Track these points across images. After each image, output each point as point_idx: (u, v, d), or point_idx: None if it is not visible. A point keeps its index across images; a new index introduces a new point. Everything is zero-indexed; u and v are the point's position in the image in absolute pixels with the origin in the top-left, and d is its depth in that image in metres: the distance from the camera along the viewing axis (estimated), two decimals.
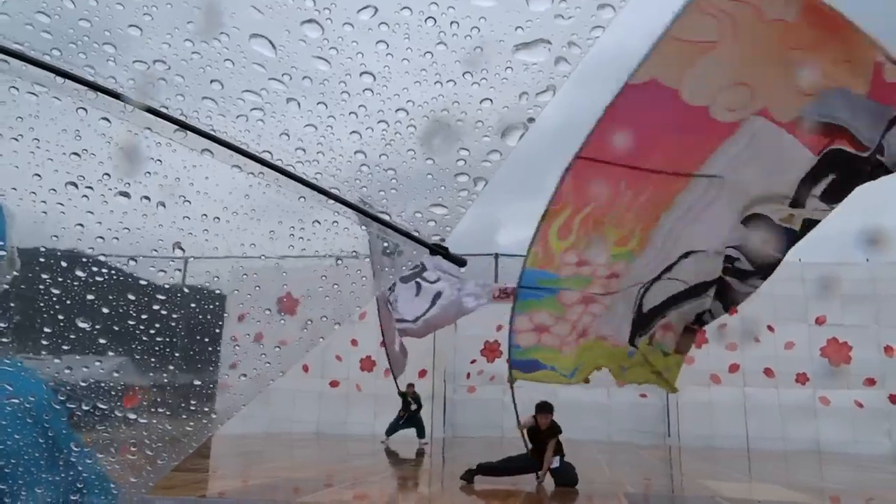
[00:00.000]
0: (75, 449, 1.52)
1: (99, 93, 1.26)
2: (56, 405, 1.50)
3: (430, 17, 1.03)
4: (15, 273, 1.43)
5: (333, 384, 19.06)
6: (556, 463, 9.03)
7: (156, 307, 1.66)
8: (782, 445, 15.59)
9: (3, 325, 1.41)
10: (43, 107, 1.26)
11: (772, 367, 16.58)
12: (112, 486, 1.58)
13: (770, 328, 16.71)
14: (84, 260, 1.51)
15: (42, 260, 1.48)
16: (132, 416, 1.63)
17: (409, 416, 15.49)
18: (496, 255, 20.72)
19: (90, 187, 1.39)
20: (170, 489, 7.27)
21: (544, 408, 9.24)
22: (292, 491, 8.73)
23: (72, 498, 1.50)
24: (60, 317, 1.49)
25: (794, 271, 16.96)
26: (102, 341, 1.53)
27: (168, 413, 1.68)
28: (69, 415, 1.52)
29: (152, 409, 1.65)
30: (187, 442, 1.75)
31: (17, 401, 1.49)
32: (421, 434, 15.57)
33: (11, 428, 1.40)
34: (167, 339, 1.65)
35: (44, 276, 1.47)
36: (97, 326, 1.53)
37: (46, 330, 1.47)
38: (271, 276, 1.80)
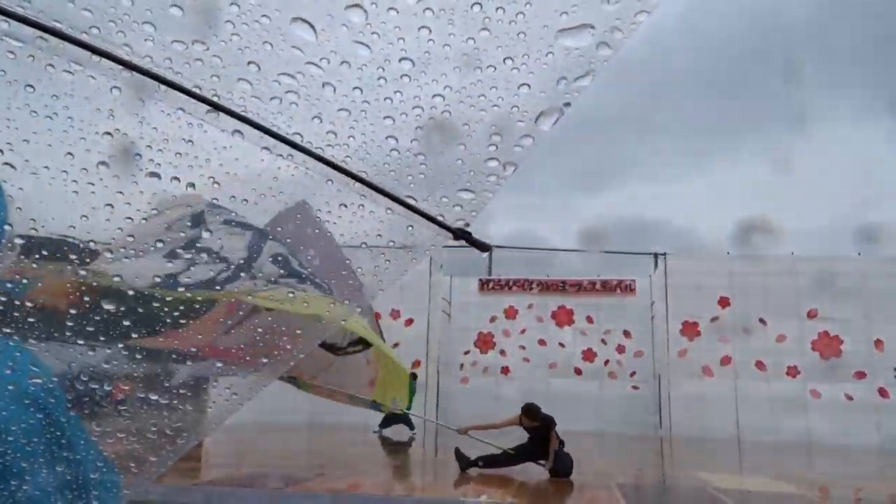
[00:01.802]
0: (79, 435, 1.52)
1: (134, 72, 1.26)
2: (58, 392, 1.50)
3: (476, 3, 1.03)
4: (14, 257, 1.43)
5: None
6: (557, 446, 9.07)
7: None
8: (773, 437, 15.71)
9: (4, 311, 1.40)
10: (78, 85, 1.26)
11: (763, 360, 16.69)
12: (116, 476, 1.59)
13: (762, 321, 16.82)
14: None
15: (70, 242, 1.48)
16: (133, 407, 1.63)
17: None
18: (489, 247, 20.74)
19: (121, 167, 1.39)
20: (162, 476, 7.25)
21: (528, 412, 9.33)
22: (285, 479, 8.75)
23: (78, 482, 1.51)
24: (86, 299, 1.49)
25: (787, 265, 17.07)
26: (112, 330, 1.53)
27: (171, 406, 1.67)
28: (71, 403, 1.52)
29: (153, 401, 1.64)
30: (191, 434, 1.75)
31: (39, 381, 1.49)
32: (410, 426, 15.92)
33: (14, 413, 1.40)
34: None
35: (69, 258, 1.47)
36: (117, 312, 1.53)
37: (48, 317, 1.46)
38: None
